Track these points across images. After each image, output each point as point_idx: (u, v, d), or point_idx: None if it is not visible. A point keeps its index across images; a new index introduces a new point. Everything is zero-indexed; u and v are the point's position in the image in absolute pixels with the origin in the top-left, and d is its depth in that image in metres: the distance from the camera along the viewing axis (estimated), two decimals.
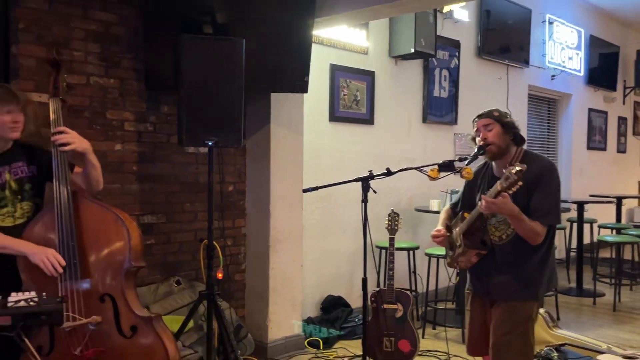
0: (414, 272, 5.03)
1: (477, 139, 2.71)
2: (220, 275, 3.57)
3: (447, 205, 3.07)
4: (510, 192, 2.39)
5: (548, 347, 3.77)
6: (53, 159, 2.50)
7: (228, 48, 3.27)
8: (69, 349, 2.41)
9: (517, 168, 2.33)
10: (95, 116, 3.53)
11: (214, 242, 3.42)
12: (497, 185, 2.41)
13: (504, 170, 2.40)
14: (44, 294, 2.06)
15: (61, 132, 2.50)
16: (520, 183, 2.35)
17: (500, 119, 2.67)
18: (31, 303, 1.97)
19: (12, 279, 2.45)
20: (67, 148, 2.48)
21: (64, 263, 2.41)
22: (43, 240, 2.48)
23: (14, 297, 1.98)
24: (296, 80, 3.78)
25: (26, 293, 2.03)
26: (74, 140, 2.50)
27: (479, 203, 2.54)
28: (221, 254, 3.69)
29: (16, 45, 3.19)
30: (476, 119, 2.74)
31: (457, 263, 2.78)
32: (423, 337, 4.65)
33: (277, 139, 4.22)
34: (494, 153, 2.67)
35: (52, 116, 2.55)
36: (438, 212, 5.09)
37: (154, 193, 3.84)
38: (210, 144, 3.30)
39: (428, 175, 2.75)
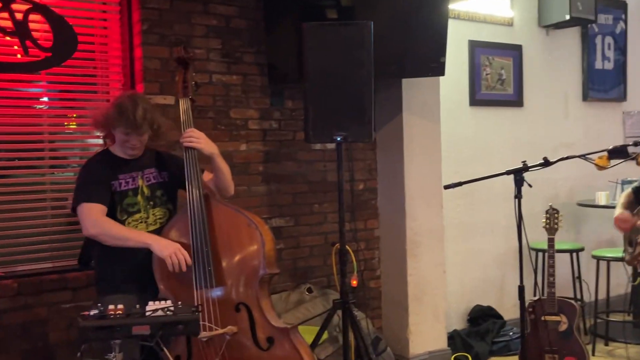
0: (579, 277, 4.81)
1: None
2: (354, 282, 3.65)
3: (629, 189, 2.89)
4: None
5: None
6: (185, 162, 2.72)
7: (354, 33, 3.34)
8: (206, 359, 2.60)
9: None
10: (219, 116, 3.77)
11: (347, 246, 3.50)
12: None
13: None
14: (179, 302, 2.21)
15: (189, 134, 2.72)
16: None
17: None
18: (168, 312, 2.10)
19: (149, 284, 2.68)
20: (192, 145, 2.70)
21: (190, 262, 2.59)
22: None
23: (151, 306, 2.12)
24: (431, 62, 3.77)
25: (163, 302, 2.17)
26: (200, 141, 2.73)
27: None
28: (354, 259, 3.78)
29: (140, 47, 3.50)
30: None
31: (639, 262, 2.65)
32: (593, 355, 4.44)
33: (411, 129, 4.22)
34: None
35: (182, 117, 2.77)
36: (606, 207, 4.89)
37: (281, 194, 4.02)
38: (338, 139, 3.37)
39: (595, 164, 2.63)
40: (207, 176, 2.87)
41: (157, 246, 2.58)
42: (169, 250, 2.56)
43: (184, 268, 2.57)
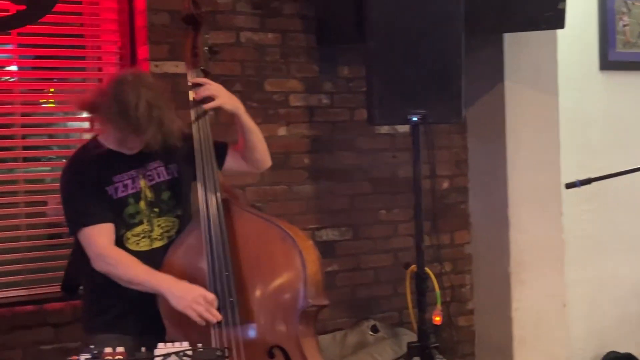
0: None
1: None
2: (437, 319, 3.61)
3: None
4: None
5: None
6: (195, 149, 2.70)
7: None
8: None
9: None
10: (249, 89, 3.75)
11: (426, 269, 3.48)
12: None
13: None
14: (199, 345, 2.18)
15: (201, 86, 2.70)
16: None
17: None
18: (184, 358, 2.07)
19: (155, 319, 2.65)
20: (211, 105, 2.68)
21: (219, 317, 2.56)
22: (190, 270, 2.65)
23: (161, 349, 2.10)
24: (545, 10, 3.71)
25: (176, 344, 2.15)
26: (219, 93, 2.70)
27: None
28: (437, 286, 3.74)
29: None
30: None
31: None
32: None
33: (517, 104, 4.17)
34: None
35: (191, 95, 2.75)
36: None
37: (334, 196, 3.99)
38: (414, 119, 3.35)
39: None
40: (234, 152, 2.87)
41: (170, 296, 2.57)
42: (188, 300, 2.55)
43: (218, 317, 2.56)
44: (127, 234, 2.71)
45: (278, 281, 2.68)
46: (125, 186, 2.72)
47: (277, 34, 3.83)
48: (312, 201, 3.95)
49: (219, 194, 2.70)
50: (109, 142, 2.73)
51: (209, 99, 2.68)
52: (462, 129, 4.32)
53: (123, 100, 2.55)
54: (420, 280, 3.46)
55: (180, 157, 2.84)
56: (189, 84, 2.73)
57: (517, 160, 4.18)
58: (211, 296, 2.56)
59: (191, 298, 2.53)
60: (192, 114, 2.73)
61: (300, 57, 3.90)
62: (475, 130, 4.33)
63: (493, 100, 4.20)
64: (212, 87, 2.71)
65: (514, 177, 4.17)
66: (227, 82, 3.59)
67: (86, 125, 3.35)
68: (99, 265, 2.63)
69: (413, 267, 3.53)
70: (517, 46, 4.16)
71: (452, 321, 4.24)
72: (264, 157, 2.90)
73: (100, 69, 3.62)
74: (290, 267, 2.67)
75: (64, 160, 3.54)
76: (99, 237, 2.64)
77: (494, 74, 4.19)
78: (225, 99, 2.72)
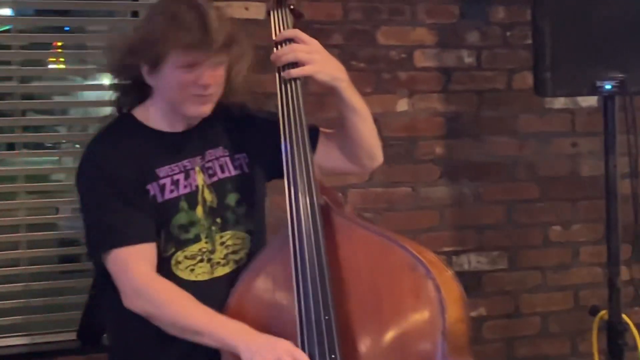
0: None
1: None
2: None
3: None
4: None
5: None
6: (282, 135, 2.63)
7: None
8: None
9: None
10: (354, 42, 3.79)
11: (623, 316, 3.44)
12: None
13: None
14: None
15: (288, 43, 2.64)
16: None
17: None
18: None
19: None
20: (297, 72, 2.62)
21: None
22: (270, 313, 2.65)
23: None
24: None
25: None
26: (312, 57, 2.63)
27: None
28: (639, 340, 3.68)
29: None
30: None
31: None
32: None
33: None
34: None
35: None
36: None
37: (482, 203, 4.01)
38: (607, 87, 3.34)
39: None
40: (328, 140, 2.86)
41: (246, 351, 2.52)
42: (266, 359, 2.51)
43: None
44: (178, 256, 2.71)
45: (405, 330, 2.63)
46: (176, 183, 2.71)
47: None
48: (447, 211, 3.96)
49: (316, 198, 2.65)
50: (151, 117, 2.74)
51: (296, 64, 2.63)
52: None
53: (178, 13, 2.56)
54: (615, 332, 3.43)
55: (252, 144, 2.84)
56: (273, 37, 2.69)
57: None
58: (301, 354, 2.52)
59: (273, 357, 2.49)
60: (277, 78, 2.66)
61: None
62: None
63: None
64: (301, 49, 2.64)
65: None
66: (321, 32, 3.67)
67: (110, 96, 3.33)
68: (135, 303, 2.60)
69: (603, 312, 3.51)
70: None
71: None
72: (372, 151, 2.87)
73: (135, 15, 3.64)
74: (424, 309, 2.60)
75: (78, 147, 3.64)
76: (137, 263, 2.61)
77: None
78: (319, 65, 2.65)
